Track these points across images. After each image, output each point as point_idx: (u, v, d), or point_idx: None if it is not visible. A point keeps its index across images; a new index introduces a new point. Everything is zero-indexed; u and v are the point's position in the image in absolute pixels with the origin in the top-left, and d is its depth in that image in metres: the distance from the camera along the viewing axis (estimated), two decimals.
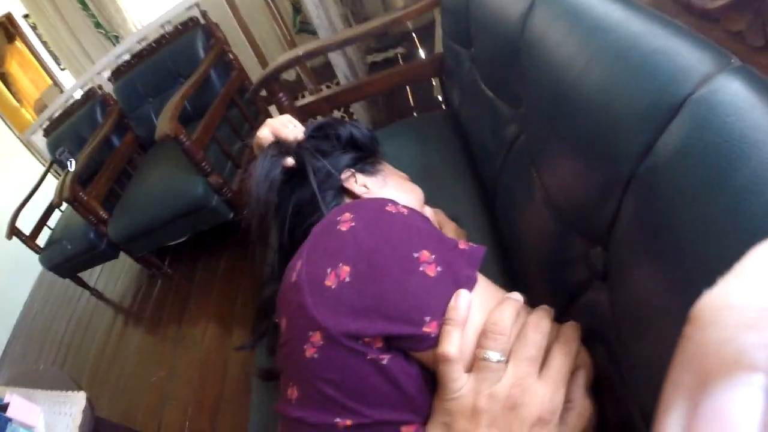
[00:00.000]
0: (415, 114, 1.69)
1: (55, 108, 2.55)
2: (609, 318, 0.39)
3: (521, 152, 0.62)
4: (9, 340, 2.83)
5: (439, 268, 0.36)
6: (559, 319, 0.49)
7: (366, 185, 0.55)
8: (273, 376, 0.55)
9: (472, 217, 0.81)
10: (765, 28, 0.29)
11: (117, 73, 2.22)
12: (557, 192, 0.49)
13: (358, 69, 1.75)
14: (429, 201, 0.66)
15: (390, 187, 0.57)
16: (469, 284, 0.37)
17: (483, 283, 0.39)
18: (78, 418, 1.11)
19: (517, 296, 0.39)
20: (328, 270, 0.37)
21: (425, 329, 0.35)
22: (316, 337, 0.36)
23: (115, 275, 2.37)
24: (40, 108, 3.87)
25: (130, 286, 2.22)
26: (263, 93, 1.40)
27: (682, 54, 0.32)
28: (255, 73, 2.04)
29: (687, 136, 0.29)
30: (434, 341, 0.35)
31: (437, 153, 1.02)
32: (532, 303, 0.58)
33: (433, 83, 1.66)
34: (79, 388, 1.22)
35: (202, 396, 1.49)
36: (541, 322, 0.37)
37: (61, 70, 4.04)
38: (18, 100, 4.03)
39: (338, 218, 0.41)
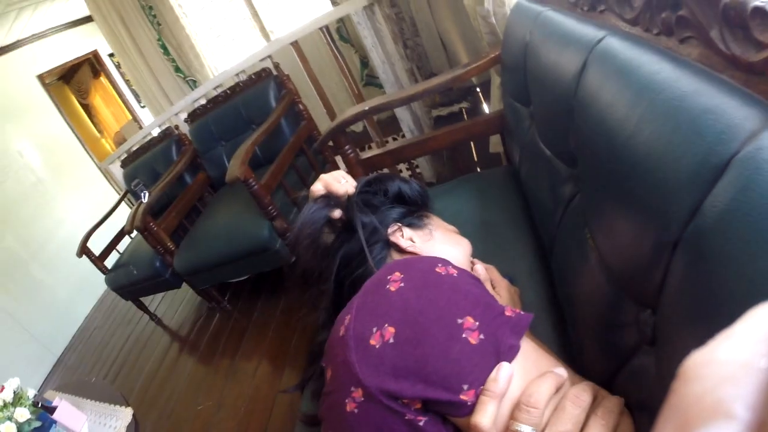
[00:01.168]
0: (478, 169, 1.72)
1: (134, 142, 2.79)
2: (654, 386, 0.38)
3: (576, 212, 0.62)
4: (66, 349, 3.01)
5: (481, 336, 0.37)
6: (607, 384, 0.48)
7: (412, 239, 0.56)
8: (316, 422, 0.56)
9: (528, 275, 0.81)
10: None
11: (193, 116, 2.38)
12: (610, 253, 0.48)
13: (423, 123, 1.80)
14: (486, 257, 0.66)
15: (437, 240, 0.58)
16: (511, 354, 0.37)
17: (529, 352, 0.39)
18: None
19: (560, 371, 0.38)
20: (374, 329, 0.38)
21: (462, 397, 0.35)
22: (358, 393, 0.37)
23: (176, 304, 2.47)
24: (119, 140, 4.25)
25: (189, 317, 2.31)
26: (330, 143, 1.48)
27: (728, 112, 0.31)
28: (323, 122, 2.15)
29: (733, 197, 0.28)
30: (470, 409, 0.36)
31: (497, 208, 1.02)
32: (584, 365, 0.57)
33: (490, 140, 1.67)
34: (127, 404, 1.27)
35: (246, 429, 1.51)
36: (581, 395, 0.36)
37: (141, 107, 4.43)
38: (99, 131, 4.44)
39: (388, 277, 0.42)
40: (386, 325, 0.38)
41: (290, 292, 1.98)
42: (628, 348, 0.45)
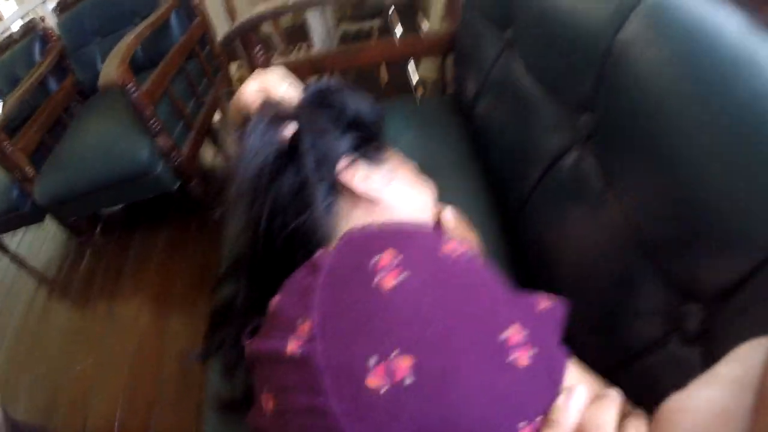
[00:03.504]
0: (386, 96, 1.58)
1: None
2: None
3: (580, 169, 0.52)
4: None
5: (534, 351, 0.26)
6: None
7: (370, 177, 0.42)
8: (234, 406, 0.46)
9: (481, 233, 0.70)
10: None
11: (63, 5, 1.96)
12: (651, 231, 0.40)
13: (332, 37, 1.59)
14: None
15: (397, 182, 0.44)
16: (562, 368, 0.27)
17: (574, 364, 0.30)
18: None
19: (614, 393, 0.28)
20: (372, 361, 0.24)
21: None
22: None
23: (39, 241, 2.14)
24: None
25: (56, 255, 2.01)
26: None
27: None
28: (219, 25, 1.89)
29: None
30: None
31: (440, 146, 0.90)
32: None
33: (409, 66, 1.53)
34: None
35: (135, 393, 1.34)
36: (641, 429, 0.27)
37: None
38: None
39: (375, 258, 0.28)
40: (395, 352, 0.24)
41: (173, 223, 1.78)
42: (645, 340, 0.40)
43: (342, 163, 0.41)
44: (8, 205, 1.78)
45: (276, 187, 0.40)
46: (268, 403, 0.28)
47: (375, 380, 0.24)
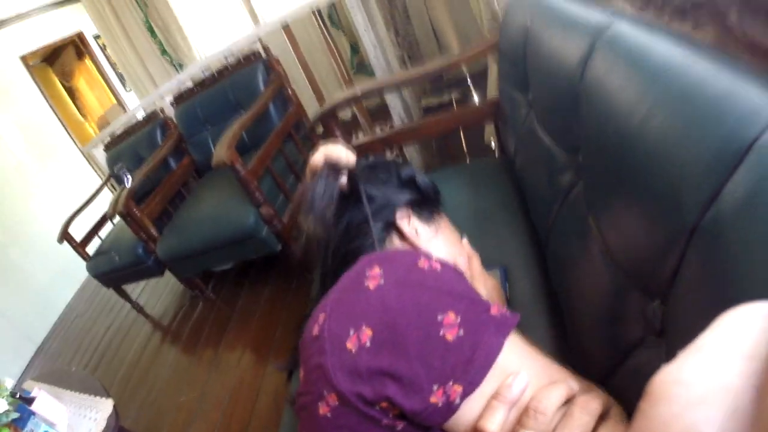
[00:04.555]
0: (467, 160, 1.69)
1: (118, 125, 2.71)
2: None
3: (577, 201, 0.60)
4: (47, 337, 2.94)
5: (461, 332, 0.35)
6: (607, 379, 0.47)
7: (417, 230, 0.54)
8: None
9: (522, 265, 0.80)
10: None
11: (179, 99, 2.33)
12: (616, 243, 0.47)
13: (413, 111, 1.78)
14: (479, 246, 0.63)
15: (439, 240, 0.55)
16: (492, 354, 0.35)
17: (539, 360, 0.38)
18: (102, 424, 1.12)
19: (572, 383, 0.36)
20: (351, 331, 0.36)
21: (432, 399, 0.34)
22: (332, 398, 0.36)
23: (158, 293, 2.42)
24: (102, 125, 4.14)
25: (171, 305, 2.27)
26: (320, 129, 1.44)
27: (748, 97, 0.31)
28: (311, 109, 2.11)
29: (755, 183, 0.28)
30: (445, 414, 0.34)
31: (489, 199, 1.01)
32: (581, 359, 0.55)
33: (485, 129, 1.65)
34: (108, 395, 1.24)
35: (229, 421, 1.49)
36: (590, 402, 0.34)
37: (127, 91, 4.32)
38: (83, 115, 4.32)
39: (367, 272, 0.39)
40: (363, 326, 0.36)
41: (275, 282, 1.95)
42: (631, 341, 0.43)
43: (400, 212, 0.54)
44: (134, 260, 2.07)
45: (343, 220, 0.52)
46: (301, 374, 0.40)
47: (350, 344, 0.36)
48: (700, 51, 0.38)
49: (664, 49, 0.41)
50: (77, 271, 2.76)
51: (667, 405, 0.15)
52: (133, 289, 2.50)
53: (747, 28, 0.35)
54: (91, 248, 2.41)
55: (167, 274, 2.10)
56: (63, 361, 2.52)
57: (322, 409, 0.36)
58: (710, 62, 0.36)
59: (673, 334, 0.36)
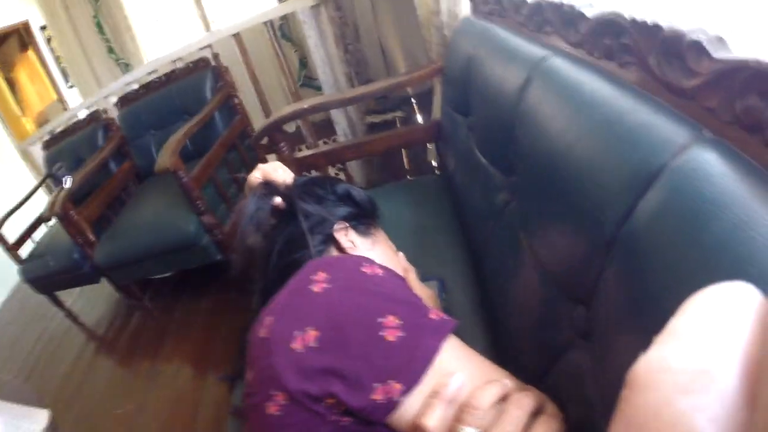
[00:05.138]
0: (408, 177, 1.75)
1: (58, 123, 2.60)
2: (590, 379, 0.41)
3: (511, 218, 0.64)
4: None
5: (401, 334, 0.37)
6: (540, 380, 0.50)
7: (354, 243, 0.56)
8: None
9: (459, 278, 0.84)
10: (733, 105, 0.33)
11: (123, 101, 2.26)
12: (545, 255, 0.51)
13: (358, 128, 1.83)
14: (417, 261, 0.67)
15: (376, 252, 0.58)
16: (430, 354, 0.37)
17: (477, 362, 0.40)
18: None
19: (507, 382, 0.38)
20: (296, 333, 0.38)
21: (373, 396, 0.36)
22: (280, 397, 0.37)
23: (93, 301, 2.32)
24: (41, 121, 3.90)
25: (107, 314, 2.18)
26: (264, 141, 1.46)
27: (661, 127, 0.36)
28: (256, 119, 2.12)
29: (663, 201, 0.32)
30: (387, 409, 0.36)
31: (429, 215, 1.06)
32: (516, 364, 0.57)
33: (428, 148, 1.73)
34: (42, 405, 1.20)
35: None
36: (524, 399, 0.36)
37: (69, 87, 4.10)
38: (21, 110, 4.06)
39: (312, 277, 0.41)
40: (308, 328, 0.38)
41: (215, 292, 1.92)
42: (561, 344, 0.46)
43: (339, 225, 0.56)
44: (70, 265, 1.97)
45: (279, 237, 0.54)
46: (249, 376, 0.41)
47: (296, 344, 0.37)
48: (622, 87, 0.43)
49: (592, 83, 0.47)
50: (7, 276, 2.59)
51: (653, 393, 0.14)
52: (67, 296, 2.38)
53: (665, 70, 0.40)
54: (24, 252, 2.26)
55: (103, 281, 2.03)
56: None
57: (271, 409, 0.37)
58: (631, 97, 0.41)
59: (598, 335, 0.39)
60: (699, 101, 0.37)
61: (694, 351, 0.14)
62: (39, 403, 1.23)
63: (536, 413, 0.38)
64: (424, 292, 0.61)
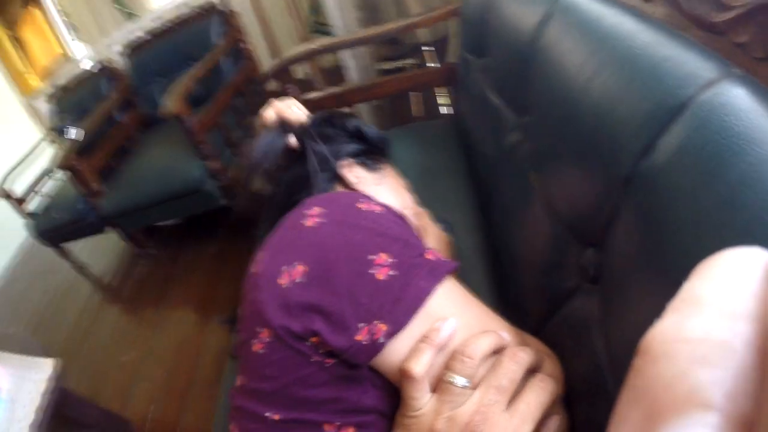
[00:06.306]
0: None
1: (63, 75, 2.56)
2: (597, 329, 0.39)
3: (522, 159, 0.62)
4: None
5: (392, 272, 0.35)
6: (541, 327, 0.48)
7: (359, 178, 0.54)
8: None
9: (466, 222, 0.83)
10: (766, 41, 0.31)
11: (128, 50, 2.22)
12: (557, 196, 0.50)
13: (369, 74, 1.77)
14: (425, 203, 0.65)
15: (384, 187, 0.55)
16: (421, 296, 0.35)
17: (475, 309, 0.38)
18: (43, 386, 1.08)
19: (505, 335, 0.36)
20: (284, 268, 0.36)
21: (357, 337, 0.34)
22: (264, 334, 0.36)
23: (98, 251, 2.33)
24: (47, 76, 3.85)
25: (112, 264, 2.19)
26: (272, 85, 1.41)
27: (688, 62, 0.33)
28: (266, 66, 2.06)
29: (687, 136, 0.30)
30: (372, 352, 0.34)
31: (438, 158, 1.03)
32: (520, 308, 0.57)
33: (438, 93, 1.66)
34: (49, 356, 1.19)
35: (173, 379, 1.48)
36: (520, 353, 0.34)
37: (72, 40, 4.03)
38: (25, 65, 4.01)
39: (306, 211, 0.39)
40: (296, 263, 0.36)
41: (220, 237, 1.91)
42: (566, 289, 0.45)
43: (344, 162, 0.54)
44: (74, 216, 1.97)
45: (289, 174, 0.53)
46: (239, 313, 0.40)
47: (282, 280, 0.36)
48: (646, 21, 0.40)
49: (615, 17, 0.44)
50: (15, 231, 2.59)
51: (668, 364, 0.13)
52: (73, 246, 2.37)
53: (694, 4, 0.38)
54: (31, 207, 2.26)
55: (108, 231, 2.02)
56: (0, 325, 2.38)
57: (256, 346, 0.36)
58: (655, 32, 0.39)
59: (607, 279, 0.38)
60: (730, 36, 0.34)
61: (715, 321, 0.13)
62: (46, 354, 1.22)
63: (533, 371, 0.36)
64: (439, 236, 0.59)
